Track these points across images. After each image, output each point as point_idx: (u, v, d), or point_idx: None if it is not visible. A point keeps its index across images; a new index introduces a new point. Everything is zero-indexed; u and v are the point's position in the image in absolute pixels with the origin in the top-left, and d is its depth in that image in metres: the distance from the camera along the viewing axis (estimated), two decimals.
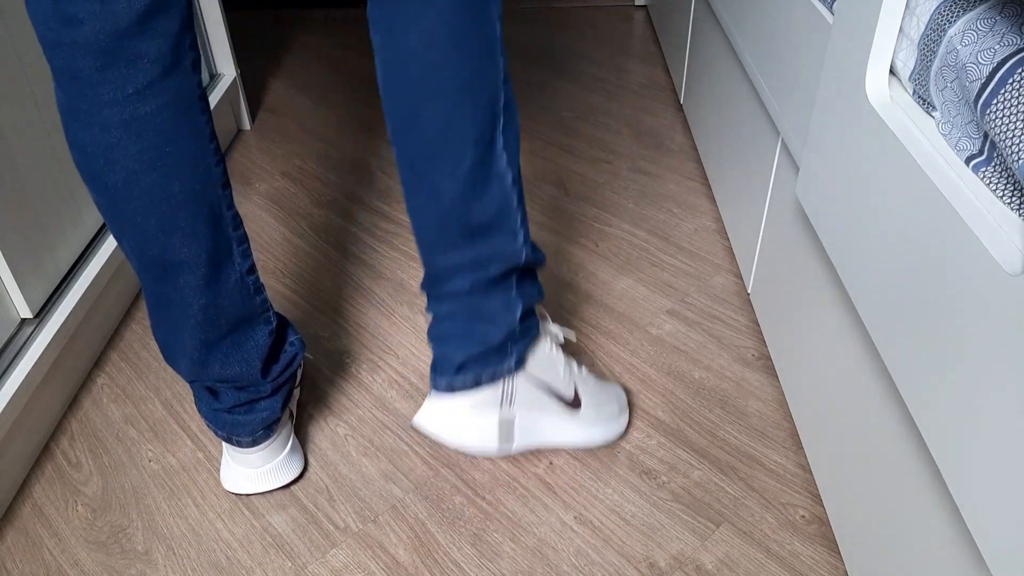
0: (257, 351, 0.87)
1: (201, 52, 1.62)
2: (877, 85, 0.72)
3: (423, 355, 1.18)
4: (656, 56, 2.04)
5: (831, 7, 0.84)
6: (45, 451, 1.05)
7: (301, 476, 1.01)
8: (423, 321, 1.24)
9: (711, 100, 1.44)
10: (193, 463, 1.03)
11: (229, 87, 1.69)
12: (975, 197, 0.58)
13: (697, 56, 1.56)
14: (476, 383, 0.91)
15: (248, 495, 0.99)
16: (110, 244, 1.20)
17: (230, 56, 1.69)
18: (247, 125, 1.79)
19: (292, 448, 0.99)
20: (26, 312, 1.05)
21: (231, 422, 0.90)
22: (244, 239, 0.83)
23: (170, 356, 0.85)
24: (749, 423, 1.05)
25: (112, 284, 1.23)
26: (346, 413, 1.09)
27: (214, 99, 1.63)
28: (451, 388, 0.92)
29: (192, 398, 1.12)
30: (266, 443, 0.94)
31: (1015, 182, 0.56)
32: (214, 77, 1.69)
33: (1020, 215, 0.55)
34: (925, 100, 0.68)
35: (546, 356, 0.95)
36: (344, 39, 2.23)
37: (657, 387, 1.11)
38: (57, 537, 0.95)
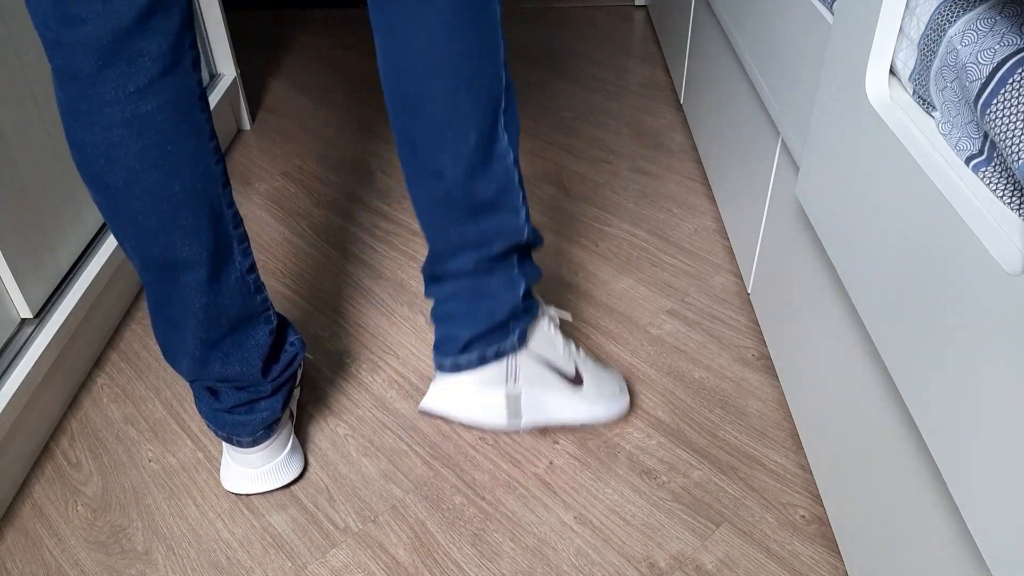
0: (257, 350, 0.87)
1: (201, 52, 1.62)
2: (877, 85, 0.72)
3: (423, 355, 1.18)
4: (656, 56, 2.04)
5: (831, 7, 0.84)
6: (45, 451, 1.05)
7: (301, 476, 1.01)
8: (423, 321, 1.24)
9: (711, 100, 1.44)
10: (193, 463, 1.03)
11: (229, 87, 1.69)
12: (975, 197, 0.58)
13: (697, 56, 1.56)
14: (481, 361, 0.93)
15: (248, 495, 0.99)
16: (110, 244, 1.20)
17: (230, 56, 1.69)
18: (247, 125, 1.79)
19: (292, 448, 0.99)
20: (26, 312, 1.05)
21: (231, 422, 0.90)
22: (244, 237, 0.83)
23: (171, 355, 0.85)
24: (749, 423, 1.05)
25: (112, 284, 1.23)
26: (346, 413, 1.09)
27: (214, 99, 1.63)
28: (457, 367, 0.93)
29: (192, 398, 1.12)
30: (266, 443, 0.94)
31: (1015, 182, 0.56)
32: (214, 77, 1.69)
33: (1020, 215, 0.55)
34: (925, 100, 0.68)
35: (546, 335, 0.97)
36: (344, 39, 2.23)
37: (657, 387, 1.11)
38: (57, 537, 0.95)
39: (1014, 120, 0.54)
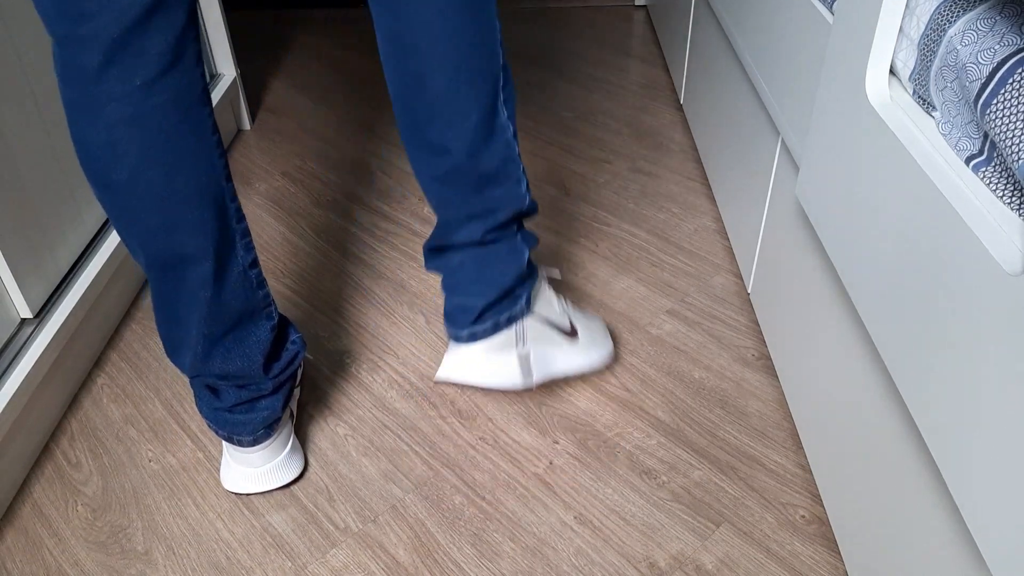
0: (259, 346, 0.87)
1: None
2: (877, 85, 0.72)
3: (423, 355, 1.18)
4: (656, 56, 2.04)
5: (831, 7, 0.84)
6: (45, 451, 1.05)
7: (301, 476, 1.01)
8: (423, 321, 1.24)
9: (711, 100, 1.44)
10: (193, 463, 1.03)
11: (229, 87, 1.69)
12: (975, 197, 0.58)
13: (697, 56, 1.56)
14: (495, 328, 0.97)
15: (248, 495, 0.99)
16: (110, 244, 1.20)
17: (230, 56, 1.69)
18: (247, 125, 1.79)
19: (292, 448, 0.99)
20: (26, 312, 1.05)
21: (232, 421, 0.90)
22: (247, 233, 0.83)
23: (173, 351, 0.86)
24: (749, 423, 1.05)
25: (112, 284, 1.23)
26: (346, 413, 1.09)
27: (214, 99, 1.63)
28: (473, 336, 0.97)
29: (192, 398, 1.12)
30: (267, 442, 0.94)
31: (1015, 182, 0.56)
32: (214, 77, 1.69)
33: (1020, 215, 0.55)
34: (925, 100, 0.68)
35: (544, 295, 1.02)
36: (344, 39, 2.23)
37: (657, 387, 1.11)
38: (57, 537, 0.95)
39: (1014, 120, 0.54)
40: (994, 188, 0.58)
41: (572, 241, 1.39)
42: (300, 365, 1.00)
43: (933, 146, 0.64)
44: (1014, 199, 0.56)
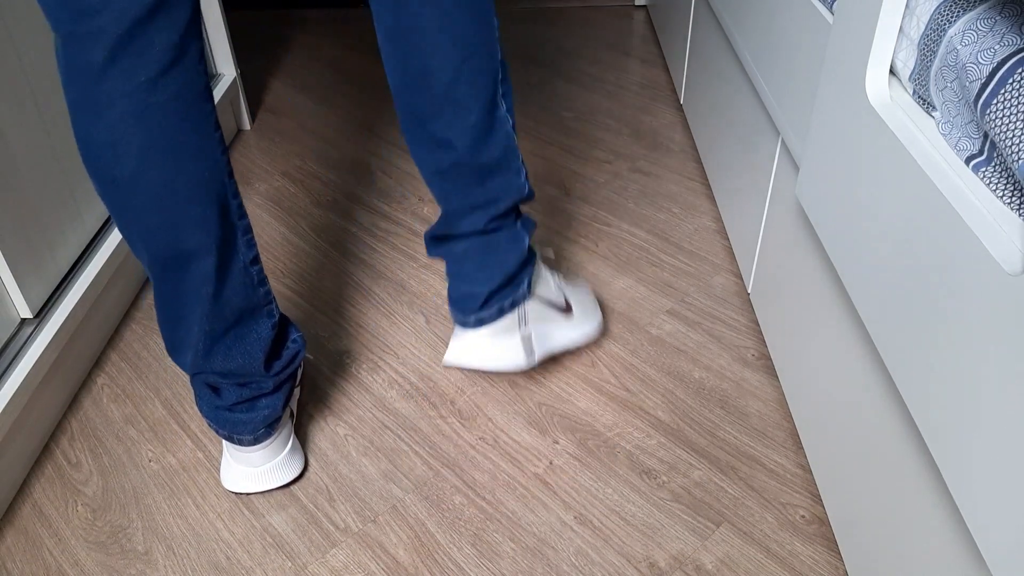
0: (260, 343, 0.87)
1: None
2: (877, 85, 0.72)
3: (423, 355, 1.18)
4: (656, 56, 2.04)
5: (831, 7, 0.84)
6: (45, 451, 1.05)
7: (301, 476, 1.01)
8: (423, 321, 1.24)
9: (711, 100, 1.44)
10: (193, 463, 1.03)
11: (229, 87, 1.69)
12: (975, 197, 0.58)
13: (697, 56, 1.56)
14: (500, 313, 1.00)
15: (248, 494, 0.99)
16: (110, 244, 1.20)
17: (230, 56, 1.69)
18: (247, 125, 1.79)
19: (292, 447, 0.99)
20: (26, 312, 1.05)
21: (233, 420, 0.90)
22: (248, 229, 0.84)
23: (174, 348, 0.86)
24: (749, 423, 1.05)
25: (112, 284, 1.23)
26: (346, 413, 1.09)
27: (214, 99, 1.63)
28: (480, 322, 1.00)
29: (192, 398, 1.12)
30: (267, 441, 0.94)
31: (1015, 182, 0.56)
32: (214, 77, 1.69)
33: (1020, 215, 0.55)
34: (925, 100, 0.68)
35: (542, 276, 1.06)
36: (344, 39, 2.23)
37: (657, 387, 1.11)
38: (57, 537, 0.95)
39: (1014, 120, 0.54)
40: (994, 188, 0.58)
41: (572, 241, 1.39)
42: (300, 364, 1.00)
43: (933, 146, 0.65)
44: (1014, 199, 0.56)
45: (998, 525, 0.52)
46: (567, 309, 1.10)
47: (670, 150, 1.64)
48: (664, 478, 0.99)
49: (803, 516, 0.93)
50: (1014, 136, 0.54)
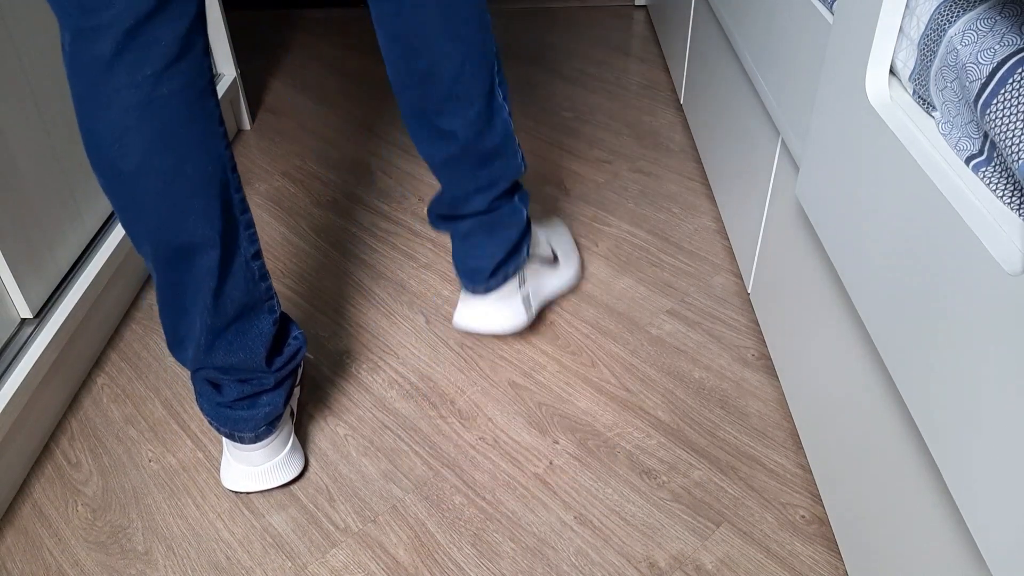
0: (261, 339, 0.87)
1: None
2: (877, 85, 0.72)
3: (423, 355, 1.18)
4: (656, 56, 2.04)
5: (831, 7, 0.84)
6: (45, 451, 1.05)
7: (301, 475, 1.01)
8: (423, 321, 1.24)
9: (711, 100, 1.44)
10: (193, 463, 1.03)
11: (229, 87, 1.69)
12: (975, 197, 0.58)
13: (697, 56, 1.56)
14: (505, 279, 1.08)
15: (248, 494, 0.99)
16: (110, 244, 1.20)
17: (230, 56, 1.69)
18: (247, 125, 1.79)
19: (292, 447, 0.99)
20: (26, 312, 1.05)
21: (234, 417, 0.90)
22: (251, 224, 0.84)
23: (176, 344, 0.86)
24: (749, 423, 1.05)
25: (112, 284, 1.23)
26: (346, 413, 1.09)
27: None
28: (488, 290, 1.08)
29: (192, 398, 1.12)
30: (268, 440, 0.94)
31: (1015, 182, 0.56)
32: (214, 77, 1.69)
33: (1020, 215, 0.55)
34: (925, 100, 0.68)
35: (534, 238, 1.14)
36: (344, 39, 2.23)
37: (657, 387, 1.11)
38: (57, 537, 0.95)
39: (1014, 120, 0.54)
40: (994, 188, 0.58)
41: None
42: (301, 363, 1.01)
43: (933, 146, 0.65)
44: (1014, 199, 0.56)
45: (998, 525, 0.52)
46: (554, 260, 1.21)
47: (670, 150, 1.64)
48: (664, 478, 0.99)
49: (803, 516, 0.93)
50: (1014, 136, 0.54)
